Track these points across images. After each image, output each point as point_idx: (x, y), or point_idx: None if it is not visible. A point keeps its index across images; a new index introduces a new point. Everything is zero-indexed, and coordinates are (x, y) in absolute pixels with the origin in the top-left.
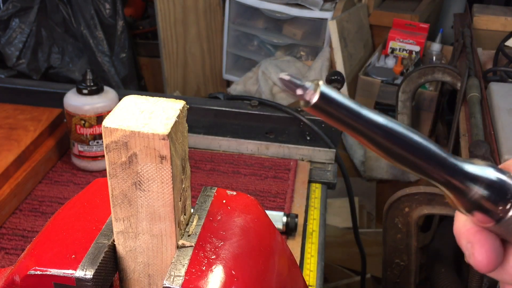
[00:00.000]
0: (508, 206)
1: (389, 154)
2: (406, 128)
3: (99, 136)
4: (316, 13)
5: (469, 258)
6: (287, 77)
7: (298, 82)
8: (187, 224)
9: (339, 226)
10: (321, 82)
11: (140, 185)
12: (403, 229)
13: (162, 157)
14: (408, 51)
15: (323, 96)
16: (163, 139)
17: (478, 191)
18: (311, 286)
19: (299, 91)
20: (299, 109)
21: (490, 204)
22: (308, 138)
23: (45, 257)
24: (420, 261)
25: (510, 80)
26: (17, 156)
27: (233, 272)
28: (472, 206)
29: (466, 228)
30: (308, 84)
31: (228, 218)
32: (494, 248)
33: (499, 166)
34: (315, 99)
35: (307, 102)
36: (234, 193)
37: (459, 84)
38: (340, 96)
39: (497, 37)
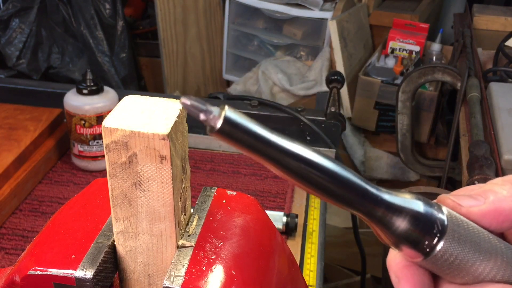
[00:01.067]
0: (435, 241)
1: (304, 182)
2: (323, 155)
3: (99, 136)
4: (316, 13)
5: None
6: (188, 101)
7: (201, 106)
8: (187, 224)
9: (339, 226)
10: (226, 107)
11: (140, 185)
12: None
13: (162, 157)
14: (408, 51)
15: (227, 121)
16: (163, 139)
17: (402, 223)
18: (311, 286)
19: (202, 116)
20: (299, 109)
21: (416, 238)
22: (308, 138)
23: (45, 257)
24: None
25: (510, 80)
26: (17, 156)
27: (233, 272)
28: (398, 240)
29: (395, 261)
30: (212, 108)
31: (228, 218)
32: (420, 285)
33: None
34: (219, 124)
35: (212, 128)
36: (234, 193)
37: (459, 84)
38: (247, 121)
39: (497, 37)
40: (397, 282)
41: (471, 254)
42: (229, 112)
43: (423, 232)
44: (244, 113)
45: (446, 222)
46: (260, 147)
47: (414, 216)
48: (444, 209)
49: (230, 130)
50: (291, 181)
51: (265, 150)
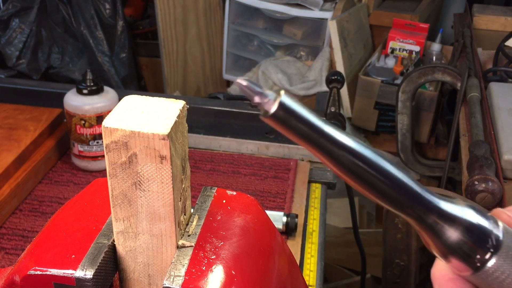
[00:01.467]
0: (487, 256)
1: (355, 178)
2: (377, 152)
3: (99, 136)
4: (316, 13)
5: None
6: (244, 82)
7: (257, 89)
8: (187, 224)
9: (339, 226)
10: (282, 92)
11: (140, 185)
12: (403, 229)
13: (162, 157)
14: (408, 51)
15: (283, 106)
16: (163, 139)
17: (454, 233)
18: (311, 286)
19: (257, 99)
20: None
21: (468, 251)
22: None
23: (45, 257)
24: (420, 261)
25: (510, 80)
26: (17, 156)
27: (233, 272)
28: (447, 250)
29: (441, 273)
30: (268, 92)
31: (228, 218)
32: None
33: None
34: (273, 108)
35: (266, 112)
36: (234, 193)
37: (459, 84)
38: (302, 109)
39: (497, 37)
40: None
41: None
42: (285, 97)
43: (476, 245)
44: (301, 104)
45: (501, 237)
46: (314, 137)
47: (468, 227)
48: (500, 223)
49: (285, 116)
50: (341, 176)
51: (318, 141)
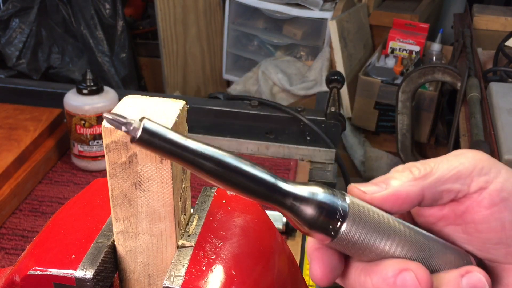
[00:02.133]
0: (338, 225)
1: (219, 181)
2: (234, 156)
3: (99, 136)
4: (316, 13)
5: (310, 273)
6: (109, 116)
7: (121, 119)
8: (187, 224)
9: None
10: (145, 119)
11: (140, 185)
12: None
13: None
14: (408, 51)
15: (146, 130)
16: None
17: (309, 211)
18: (311, 286)
19: (123, 128)
20: (299, 109)
21: (322, 224)
22: (308, 138)
23: (45, 257)
24: None
25: (510, 80)
26: (17, 156)
27: (233, 272)
28: (307, 226)
29: (310, 245)
30: (132, 120)
31: (228, 218)
32: (328, 264)
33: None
34: (138, 133)
35: (133, 137)
36: (234, 193)
37: (459, 84)
38: (164, 130)
39: (497, 37)
40: (310, 262)
41: (372, 234)
42: (148, 123)
43: (327, 217)
44: (162, 125)
45: (347, 208)
46: (177, 152)
47: (319, 205)
48: (348, 198)
49: (149, 139)
50: (210, 181)
51: (182, 155)
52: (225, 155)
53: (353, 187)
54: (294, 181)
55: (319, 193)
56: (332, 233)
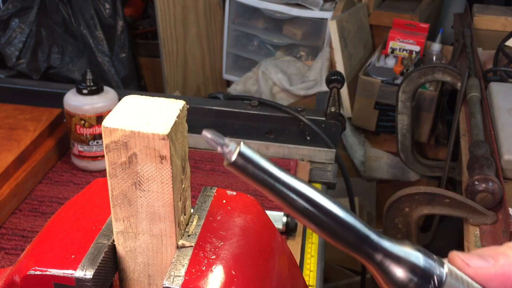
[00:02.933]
0: None
1: (309, 221)
2: (328, 198)
3: (99, 136)
4: (316, 13)
5: None
6: (209, 135)
7: (220, 140)
8: (187, 224)
9: None
10: (242, 143)
11: (140, 185)
12: (403, 229)
13: (162, 157)
14: (408, 51)
15: (241, 155)
16: (163, 139)
17: (399, 273)
18: (311, 286)
19: (220, 149)
20: (299, 109)
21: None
22: (308, 138)
23: (45, 257)
24: None
25: (510, 80)
26: (17, 156)
27: (233, 272)
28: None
29: None
30: (229, 143)
31: (228, 218)
32: None
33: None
34: (234, 157)
35: (228, 160)
36: (234, 193)
37: (459, 84)
38: (259, 157)
39: (497, 37)
40: None
41: None
42: (244, 148)
43: (420, 284)
44: (257, 151)
45: (444, 279)
46: (269, 183)
47: (412, 268)
48: (446, 265)
49: (244, 164)
50: (297, 219)
51: (274, 187)
52: (319, 194)
53: (456, 256)
54: (390, 238)
55: (415, 254)
56: None
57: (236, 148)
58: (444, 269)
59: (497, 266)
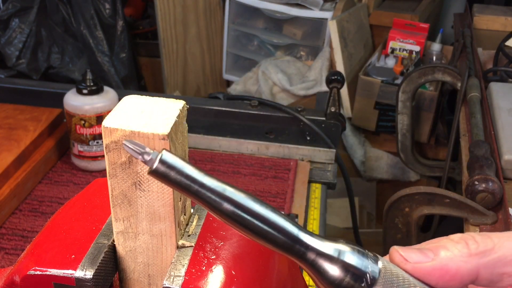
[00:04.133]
0: (365, 286)
1: (236, 224)
2: (255, 199)
3: (99, 136)
4: (316, 13)
5: None
6: (129, 144)
7: (140, 149)
8: (187, 224)
9: (339, 226)
10: (164, 150)
11: (140, 185)
12: (403, 229)
13: None
14: (408, 51)
15: (163, 162)
16: (163, 139)
17: (333, 271)
18: (311, 286)
19: (141, 158)
20: (299, 109)
21: (346, 286)
22: (308, 138)
23: (45, 257)
24: None
25: (510, 80)
26: (17, 156)
27: (233, 272)
28: (330, 286)
29: None
30: (150, 151)
31: None
32: None
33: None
34: (155, 165)
35: (150, 168)
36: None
37: (459, 84)
38: (182, 163)
39: (497, 37)
40: None
41: None
42: (166, 155)
43: (352, 281)
44: (180, 158)
45: (377, 274)
46: (194, 188)
47: (344, 266)
48: (381, 262)
49: (166, 171)
50: (226, 223)
51: (199, 192)
52: (246, 197)
53: (395, 251)
54: (322, 235)
55: (347, 252)
56: None
57: (157, 156)
58: (378, 265)
59: (435, 261)
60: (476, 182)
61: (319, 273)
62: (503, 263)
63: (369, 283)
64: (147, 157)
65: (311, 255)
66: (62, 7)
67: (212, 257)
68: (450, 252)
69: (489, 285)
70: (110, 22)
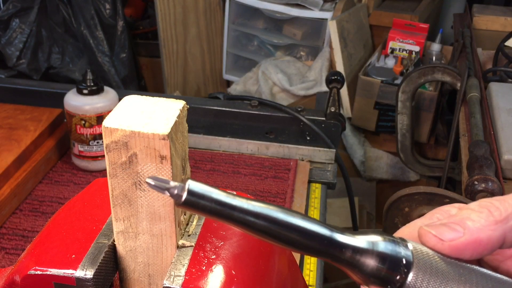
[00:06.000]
0: (402, 277)
1: (271, 239)
2: (285, 211)
3: (99, 136)
4: (316, 13)
5: None
6: (152, 182)
7: (165, 185)
8: (187, 224)
9: (339, 226)
10: (189, 180)
11: (140, 185)
12: None
13: (162, 157)
14: (408, 51)
15: (191, 193)
16: (163, 139)
17: (369, 264)
18: (311, 286)
19: (167, 193)
20: (299, 109)
21: (384, 277)
22: (308, 138)
23: (45, 257)
24: None
25: (510, 80)
26: (17, 156)
27: (233, 272)
28: (368, 280)
29: None
30: (175, 184)
31: None
32: None
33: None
34: (184, 197)
35: (178, 201)
36: (234, 193)
37: (459, 84)
38: (209, 190)
39: (497, 37)
40: None
41: (440, 283)
42: (192, 184)
43: (390, 270)
44: (205, 184)
45: (411, 257)
46: (226, 213)
47: (380, 256)
48: (410, 244)
49: (195, 201)
50: (261, 239)
51: (232, 215)
52: (275, 210)
53: (427, 232)
54: (351, 231)
55: (379, 242)
56: (398, 284)
57: (183, 187)
58: (409, 247)
59: (467, 235)
60: (476, 182)
61: (358, 269)
62: None
63: (406, 267)
64: (174, 191)
65: (348, 253)
66: (62, 7)
67: (212, 257)
68: (477, 222)
69: (511, 246)
70: (110, 22)
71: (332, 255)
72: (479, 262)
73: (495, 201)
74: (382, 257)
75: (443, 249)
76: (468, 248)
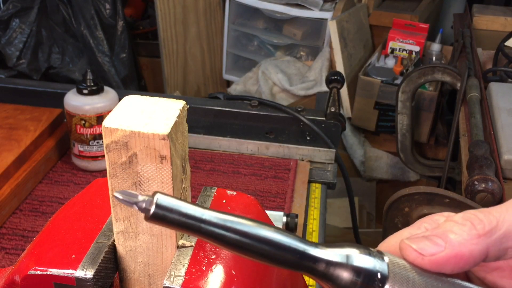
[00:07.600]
0: (377, 284)
1: (243, 252)
2: (256, 224)
3: (99, 136)
4: (316, 13)
5: None
6: (120, 196)
7: (132, 198)
8: None
9: (339, 226)
10: (158, 194)
11: (140, 185)
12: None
13: (162, 157)
14: (408, 51)
15: (159, 206)
16: (163, 139)
17: (344, 277)
18: (311, 286)
19: (135, 207)
20: (299, 109)
21: (362, 287)
22: (308, 138)
23: (45, 257)
24: None
25: (510, 80)
26: (17, 156)
27: (233, 272)
28: None
29: None
30: (143, 197)
31: None
32: None
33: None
34: (152, 210)
35: (146, 215)
36: (234, 193)
37: (459, 84)
38: (178, 203)
39: (497, 37)
40: None
41: None
42: (161, 198)
43: (364, 283)
44: (175, 197)
45: (387, 272)
46: (196, 226)
47: (354, 269)
48: (386, 257)
49: (164, 214)
50: (232, 252)
51: (201, 228)
52: (246, 223)
53: (407, 246)
54: (326, 244)
55: (354, 255)
56: None
57: (151, 201)
58: (385, 260)
59: (448, 249)
60: (476, 182)
61: (332, 282)
62: (507, 238)
63: (381, 282)
64: (142, 205)
65: (321, 266)
66: (62, 7)
67: (212, 257)
68: (459, 235)
69: (496, 260)
70: (111, 22)
71: (306, 267)
72: (466, 272)
73: (480, 213)
74: (357, 270)
75: (424, 264)
76: (449, 263)
